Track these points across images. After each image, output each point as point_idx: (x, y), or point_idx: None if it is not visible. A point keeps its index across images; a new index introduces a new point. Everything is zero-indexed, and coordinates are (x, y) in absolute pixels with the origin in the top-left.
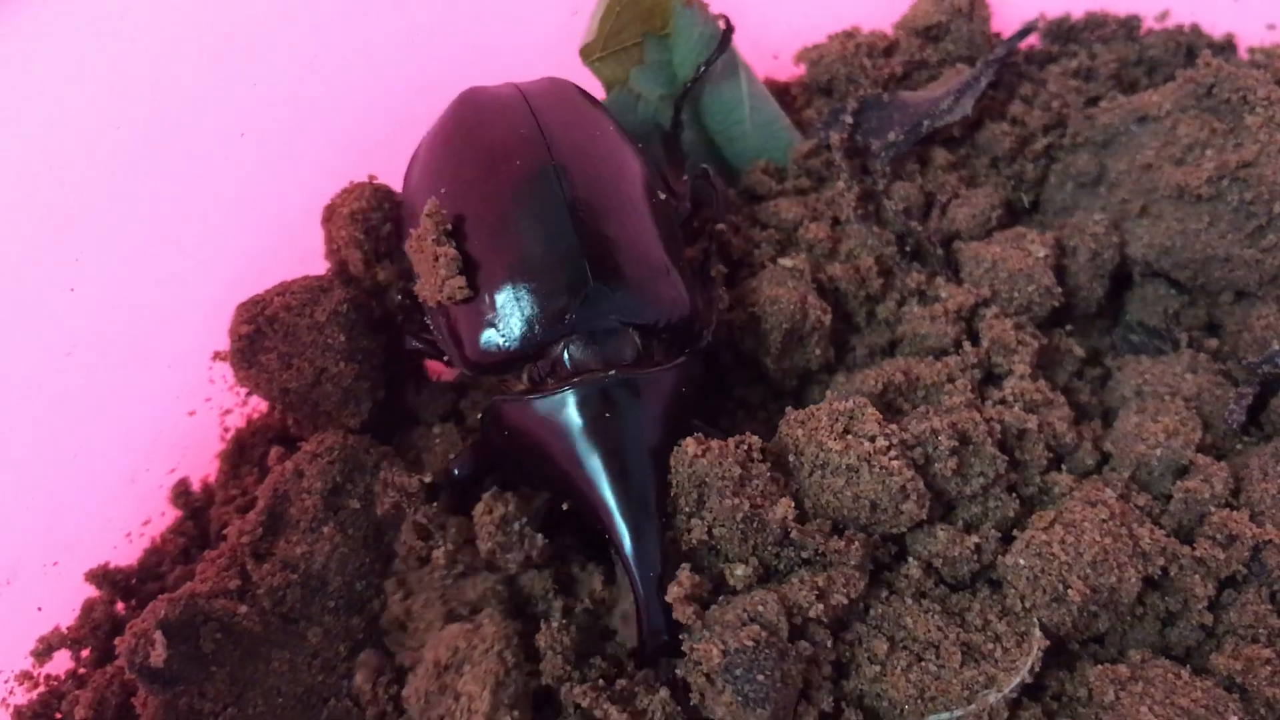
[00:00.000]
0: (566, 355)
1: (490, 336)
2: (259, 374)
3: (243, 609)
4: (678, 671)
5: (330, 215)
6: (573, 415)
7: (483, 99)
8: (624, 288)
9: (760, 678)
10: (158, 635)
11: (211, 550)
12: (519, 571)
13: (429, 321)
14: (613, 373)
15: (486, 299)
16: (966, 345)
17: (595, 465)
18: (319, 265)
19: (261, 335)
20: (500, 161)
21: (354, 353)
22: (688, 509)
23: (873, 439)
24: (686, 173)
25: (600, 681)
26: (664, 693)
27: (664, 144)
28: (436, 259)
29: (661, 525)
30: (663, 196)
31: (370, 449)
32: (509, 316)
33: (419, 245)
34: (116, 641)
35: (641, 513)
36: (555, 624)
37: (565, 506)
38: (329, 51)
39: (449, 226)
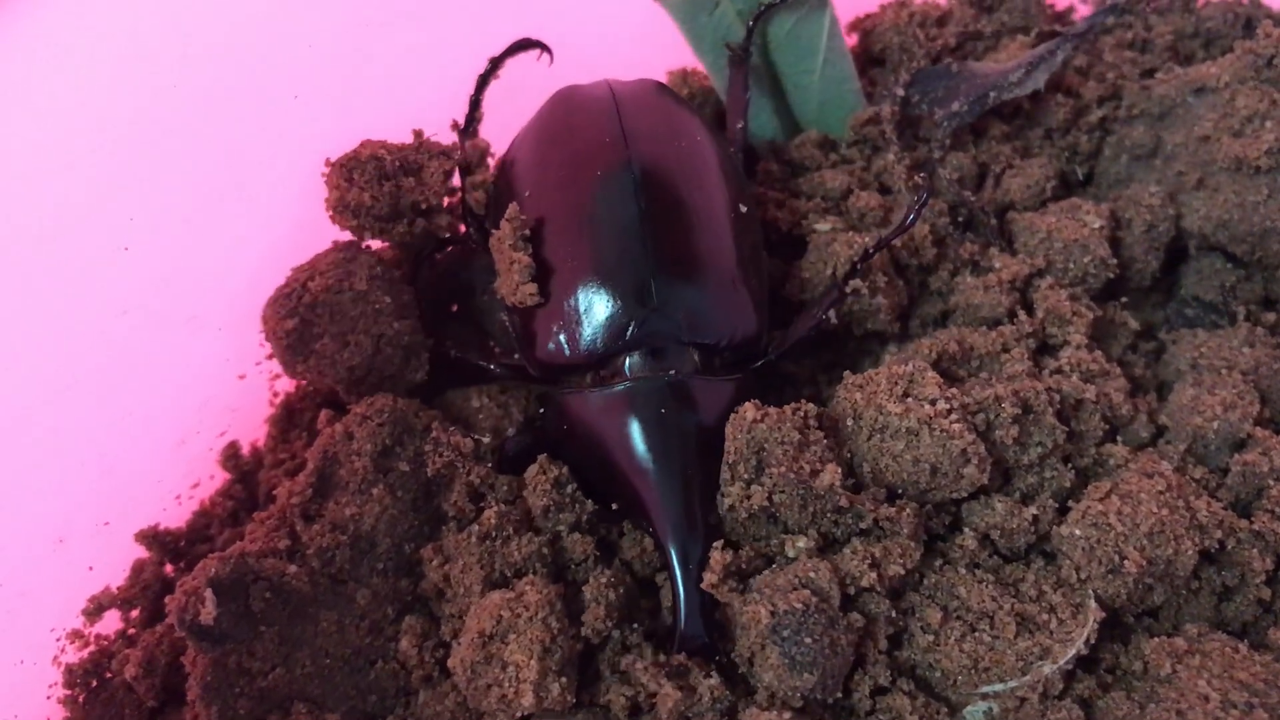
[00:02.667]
0: (628, 366)
1: (554, 343)
2: (317, 362)
3: (292, 568)
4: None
5: (341, 209)
6: (629, 410)
7: (576, 100)
8: (688, 308)
9: (808, 641)
10: (208, 593)
11: (260, 513)
12: (566, 533)
13: (503, 317)
14: (673, 372)
15: (555, 305)
16: (1021, 315)
17: (648, 463)
18: None
19: (308, 324)
20: (582, 168)
21: (401, 309)
22: (746, 476)
23: (933, 402)
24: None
25: (658, 656)
26: (715, 679)
27: (730, 65)
28: (512, 263)
29: (708, 532)
30: (744, 209)
31: (420, 412)
32: (573, 326)
33: (498, 246)
34: (166, 600)
35: (689, 513)
36: (604, 579)
37: (615, 507)
38: (383, 10)
39: (527, 232)
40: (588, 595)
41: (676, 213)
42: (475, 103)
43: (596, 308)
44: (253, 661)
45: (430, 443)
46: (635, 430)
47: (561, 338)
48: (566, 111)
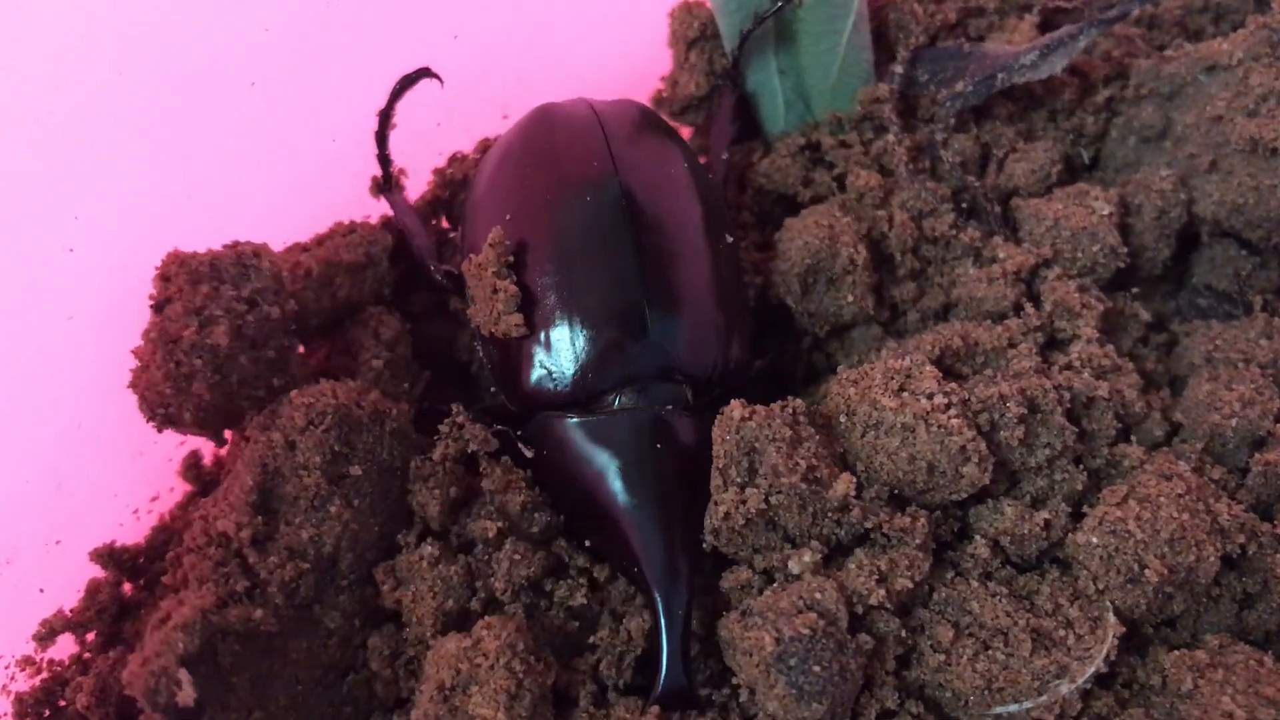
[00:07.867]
0: (618, 400)
1: (541, 377)
2: (209, 410)
3: (258, 613)
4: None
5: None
6: (621, 441)
7: (557, 118)
8: (682, 342)
9: (817, 669)
10: (182, 674)
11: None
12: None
13: (476, 345)
14: (669, 408)
15: (542, 337)
16: (1028, 308)
17: (636, 502)
18: (327, 221)
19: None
20: (570, 193)
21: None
22: (739, 480)
23: (930, 396)
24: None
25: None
26: None
27: (718, 96)
28: (495, 291)
29: (695, 575)
30: (730, 240)
31: (361, 401)
32: (563, 360)
33: (478, 273)
34: (125, 675)
35: (677, 553)
36: (606, 630)
37: (588, 544)
38: None
39: (511, 259)
40: (599, 642)
41: (669, 241)
42: (384, 156)
43: (590, 342)
44: (227, 714)
45: (448, 424)
46: (625, 466)
47: (551, 370)
48: (548, 131)
